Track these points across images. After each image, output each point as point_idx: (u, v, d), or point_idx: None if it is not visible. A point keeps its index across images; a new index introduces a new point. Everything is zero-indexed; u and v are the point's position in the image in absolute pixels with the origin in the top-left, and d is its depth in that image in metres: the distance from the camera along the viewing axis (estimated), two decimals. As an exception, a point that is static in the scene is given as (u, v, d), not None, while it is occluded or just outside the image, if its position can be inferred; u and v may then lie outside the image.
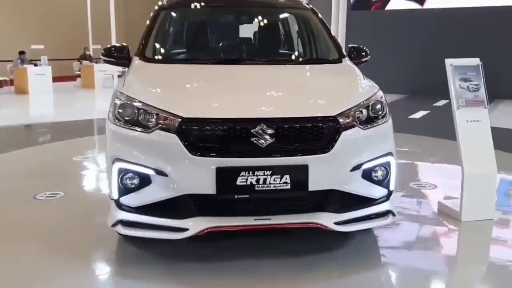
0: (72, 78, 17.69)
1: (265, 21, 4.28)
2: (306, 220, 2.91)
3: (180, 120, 2.80)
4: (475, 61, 3.92)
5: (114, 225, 2.98)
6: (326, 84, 3.33)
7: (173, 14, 4.27)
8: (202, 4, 4.21)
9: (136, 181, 2.91)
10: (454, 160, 5.87)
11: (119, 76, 16.62)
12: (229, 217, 2.88)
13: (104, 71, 16.57)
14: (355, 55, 3.92)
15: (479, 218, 3.82)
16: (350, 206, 3.00)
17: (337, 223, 2.93)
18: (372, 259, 3.21)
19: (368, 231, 3.47)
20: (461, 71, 3.86)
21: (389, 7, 14.84)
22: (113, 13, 12.05)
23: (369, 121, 3.04)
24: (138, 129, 2.90)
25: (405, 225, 3.77)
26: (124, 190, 2.94)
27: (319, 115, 2.89)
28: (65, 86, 16.92)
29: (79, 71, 17.14)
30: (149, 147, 2.86)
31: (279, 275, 2.95)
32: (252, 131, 2.77)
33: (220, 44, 4.29)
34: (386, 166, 3.07)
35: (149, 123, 2.88)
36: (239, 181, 2.78)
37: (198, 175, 2.80)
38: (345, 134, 2.89)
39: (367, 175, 3.03)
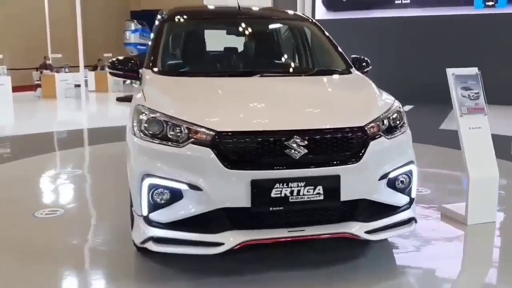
0: (32, 88, 17.11)
1: (273, 33, 4.32)
2: (338, 230, 2.95)
3: (214, 133, 2.79)
4: (474, 70, 4.10)
5: (144, 242, 2.93)
6: (348, 95, 3.40)
7: (179, 25, 4.24)
8: (208, 16, 4.21)
9: (167, 196, 2.87)
10: (440, 165, 6.15)
11: (77, 86, 16.26)
12: (264, 230, 2.89)
13: (66, 81, 16.14)
14: (359, 66, 4.03)
15: (483, 221, 3.97)
16: (377, 215, 3.07)
17: (367, 232, 2.99)
18: (392, 267, 3.29)
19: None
20: (462, 80, 4.02)
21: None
22: (79, 21, 11.75)
23: (391, 131, 3.12)
24: (169, 144, 2.87)
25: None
26: (154, 206, 2.89)
27: (349, 125, 2.95)
28: (25, 96, 16.34)
29: (39, 80, 16.61)
30: (181, 161, 2.83)
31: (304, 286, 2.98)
32: (286, 143, 2.80)
33: (232, 56, 4.29)
34: (409, 174, 3.16)
35: (180, 137, 2.86)
36: (274, 193, 2.80)
37: (233, 188, 2.79)
38: (373, 144, 2.96)
39: (392, 184, 3.10)
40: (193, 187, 2.80)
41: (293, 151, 2.80)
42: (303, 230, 2.91)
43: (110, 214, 4.31)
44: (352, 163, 2.90)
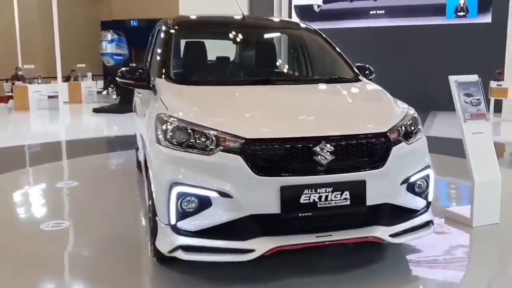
0: (3, 99, 16.69)
1: (281, 41, 4.38)
2: (364, 234, 3.01)
3: (243, 141, 2.81)
4: (475, 77, 4.25)
5: (172, 251, 2.91)
6: (366, 102, 3.48)
7: (187, 34, 4.25)
8: (215, 25, 4.24)
9: (196, 204, 2.87)
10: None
11: (50, 97, 15.94)
12: (292, 236, 2.91)
13: (39, 92, 15.81)
14: (363, 74, 4.13)
15: (488, 223, 4.10)
16: (398, 219, 3.14)
17: (391, 236, 3.06)
18: (408, 272, 3.34)
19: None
20: (464, 87, 4.16)
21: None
22: (57, 31, 11.55)
23: (409, 136, 3.21)
24: (197, 152, 2.87)
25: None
26: (183, 214, 2.88)
27: (373, 131, 3.02)
28: (-4, 108, 15.94)
29: (11, 92, 16.22)
30: (211, 169, 2.84)
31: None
32: (313, 149, 2.84)
33: (244, 65, 4.33)
34: (427, 178, 3.25)
35: (207, 145, 2.87)
36: (303, 199, 2.83)
37: (263, 195, 2.81)
38: (395, 149, 3.04)
39: (411, 188, 3.18)
40: (223, 194, 2.81)
41: (320, 157, 2.85)
42: (331, 235, 2.95)
43: (115, 225, 4.26)
44: (377, 168, 2.97)
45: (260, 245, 2.84)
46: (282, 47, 4.45)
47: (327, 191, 2.86)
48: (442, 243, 3.78)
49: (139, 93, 4.57)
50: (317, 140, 2.86)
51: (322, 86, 3.81)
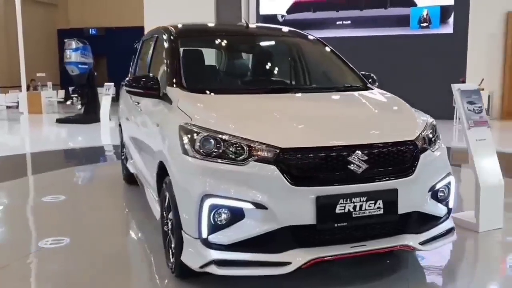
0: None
1: (289, 50, 4.35)
2: (396, 243, 2.99)
3: (278, 150, 2.74)
4: (475, 85, 4.35)
5: (204, 266, 2.80)
6: (389, 111, 3.48)
7: (194, 42, 4.16)
8: (221, 33, 4.17)
9: (228, 216, 2.77)
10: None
11: (8, 107, 15.32)
12: (328, 247, 2.86)
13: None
14: (368, 82, 4.15)
15: (492, 227, 4.19)
16: (425, 226, 3.14)
17: (421, 243, 3.05)
18: (427, 280, 3.35)
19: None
20: (467, 95, 4.25)
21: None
22: (21, 39, 11.11)
23: (431, 144, 3.23)
24: (229, 162, 2.78)
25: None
26: (215, 227, 2.78)
27: (402, 139, 3.02)
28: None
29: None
30: (244, 179, 2.75)
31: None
32: (348, 158, 2.81)
33: (255, 73, 4.26)
34: (448, 186, 3.27)
35: (239, 155, 2.78)
36: (338, 209, 2.79)
37: (298, 205, 2.75)
38: (422, 157, 3.05)
39: (435, 195, 3.20)
40: (258, 205, 2.73)
41: (355, 166, 2.82)
42: (365, 245, 2.92)
43: (118, 240, 4.09)
44: (407, 176, 2.97)
45: (296, 258, 2.77)
46: (289, 56, 4.40)
47: (362, 200, 2.83)
48: (455, 250, 3.81)
49: (138, 102, 4.40)
50: (351, 148, 2.84)
51: (341, 95, 3.80)
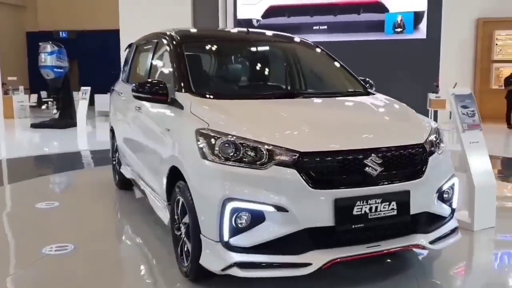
0: None
1: (290, 55, 4.44)
2: (408, 243, 3.10)
3: (298, 154, 2.82)
4: (468, 90, 4.53)
5: (226, 268, 2.84)
6: (397, 115, 3.59)
7: (199, 48, 4.20)
8: (224, 38, 4.22)
9: (249, 219, 2.83)
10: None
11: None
12: (344, 247, 2.94)
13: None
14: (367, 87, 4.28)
15: (486, 226, 4.36)
16: (432, 226, 3.27)
17: (430, 242, 3.17)
18: (430, 277, 3.49)
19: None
20: (461, 99, 4.42)
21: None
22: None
23: (436, 147, 3.36)
24: (250, 166, 2.84)
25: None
26: (236, 230, 2.83)
27: (413, 142, 3.14)
28: None
29: None
30: (265, 183, 2.81)
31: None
32: (364, 161, 2.91)
33: (261, 79, 4.33)
34: (453, 187, 3.41)
35: (259, 159, 2.84)
36: (355, 210, 2.89)
37: (317, 208, 2.83)
38: (431, 160, 3.18)
39: (441, 196, 3.33)
40: (280, 208, 2.79)
41: (370, 169, 2.92)
42: (379, 245, 3.01)
43: (123, 245, 4.09)
44: (418, 178, 3.09)
45: (316, 259, 2.84)
46: (295, 61, 4.49)
47: (377, 202, 2.93)
48: (453, 248, 3.93)
49: (139, 107, 4.41)
50: (367, 152, 2.93)
51: (350, 100, 3.90)
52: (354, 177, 2.91)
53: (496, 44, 14.25)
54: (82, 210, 5.20)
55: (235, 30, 4.49)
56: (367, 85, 4.37)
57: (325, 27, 14.82)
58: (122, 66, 6.14)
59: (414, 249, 3.22)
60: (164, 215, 3.78)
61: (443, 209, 3.35)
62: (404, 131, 3.29)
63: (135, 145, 4.68)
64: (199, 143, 3.01)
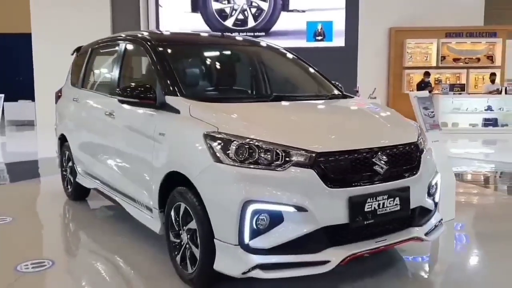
0: None
1: (270, 60, 4.49)
2: (409, 236, 3.28)
3: (314, 155, 2.88)
4: (427, 93, 4.87)
5: (248, 271, 2.82)
6: (387, 116, 3.76)
7: (179, 51, 4.11)
8: (203, 41, 4.19)
9: (269, 221, 2.84)
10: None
11: None
12: (357, 243, 3.04)
13: None
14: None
15: (447, 219, 4.69)
16: (424, 219, 3.48)
17: (425, 234, 3.38)
18: (399, 271, 3.70)
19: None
20: (422, 101, 4.74)
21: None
22: None
23: (424, 146, 3.58)
24: (268, 168, 2.85)
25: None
26: (256, 232, 2.83)
27: (410, 141, 3.33)
28: None
29: None
30: (284, 184, 2.84)
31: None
32: (373, 159, 3.04)
33: (248, 82, 4.33)
34: (437, 182, 3.66)
35: (275, 161, 2.87)
36: (366, 207, 3.01)
37: (334, 206, 2.92)
38: (423, 157, 3.40)
39: (428, 191, 3.56)
40: (300, 208, 2.84)
41: (378, 167, 3.06)
42: (386, 240, 3.16)
43: (103, 258, 3.90)
44: (415, 175, 3.28)
45: (334, 256, 2.91)
46: (281, 66, 4.56)
47: (384, 198, 3.07)
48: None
49: (111, 113, 4.23)
50: (375, 151, 3.07)
51: (343, 102, 4.04)
52: (364, 175, 3.03)
53: (407, 52, 15.30)
54: (42, 223, 4.89)
55: (213, 34, 4.48)
56: (340, 88, 4.54)
57: (245, 33, 15.06)
58: (69, 71, 5.82)
59: (412, 242, 3.37)
60: (154, 224, 3.65)
61: (430, 203, 3.58)
62: (400, 131, 3.48)
63: (105, 153, 4.46)
64: (210, 146, 2.97)
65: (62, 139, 5.64)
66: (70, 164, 5.45)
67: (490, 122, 13.30)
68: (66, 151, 5.53)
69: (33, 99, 15.01)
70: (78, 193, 5.49)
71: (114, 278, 3.55)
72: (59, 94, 5.89)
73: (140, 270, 3.64)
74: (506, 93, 13.23)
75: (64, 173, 5.72)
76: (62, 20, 14.46)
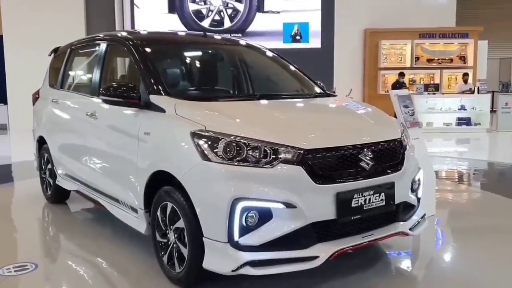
0: None
1: (254, 59, 4.50)
2: (394, 231, 3.32)
3: (303, 151, 2.90)
4: (407, 91, 4.95)
5: (238, 268, 2.82)
6: (371, 113, 3.80)
7: (163, 50, 4.09)
8: (185, 40, 4.18)
9: (258, 218, 2.85)
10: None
11: None
12: (344, 239, 3.07)
13: None
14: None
15: (428, 215, 4.75)
16: (408, 214, 3.53)
17: (410, 229, 3.43)
18: (392, 267, 3.78)
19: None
20: (402, 100, 4.82)
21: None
22: None
23: (406, 142, 3.65)
24: (256, 165, 2.86)
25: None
26: (246, 229, 2.84)
27: (393, 137, 3.38)
28: None
29: None
30: (273, 181, 2.86)
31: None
32: (359, 156, 3.08)
33: (231, 80, 4.32)
34: (420, 178, 3.72)
35: (263, 158, 2.88)
36: (353, 203, 3.04)
37: (322, 202, 2.94)
38: (406, 153, 3.46)
39: (411, 186, 3.61)
40: (289, 205, 2.85)
41: (364, 163, 3.10)
42: (372, 235, 3.20)
43: (88, 261, 3.86)
44: (399, 170, 3.33)
45: (322, 251, 2.94)
46: (263, 65, 4.58)
47: (370, 194, 3.12)
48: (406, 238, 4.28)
49: (95, 115, 4.18)
50: (361, 147, 3.11)
51: (327, 101, 4.08)
52: (351, 171, 3.06)
53: (382, 53, 15.52)
54: (23, 227, 4.77)
55: (197, 33, 4.48)
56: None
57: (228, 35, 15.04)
58: (47, 72, 5.72)
59: (398, 236, 3.42)
60: (139, 224, 3.63)
61: (413, 199, 3.64)
62: (384, 128, 3.53)
63: (87, 154, 4.40)
64: (198, 145, 2.96)
65: (41, 141, 5.54)
66: (49, 166, 5.36)
67: (464, 121, 13.58)
68: (45, 154, 5.44)
69: (5, 102, 14.71)
70: (58, 196, 5.40)
71: (98, 280, 3.50)
72: (37, 95, 5.79)
73: (124, 271, 3.61)
74: (478, 92, 13.54)
75: (43, 176, 5.62)
76: (35, 21, 14.21)
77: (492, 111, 14.00)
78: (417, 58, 15.67)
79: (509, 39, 21.05)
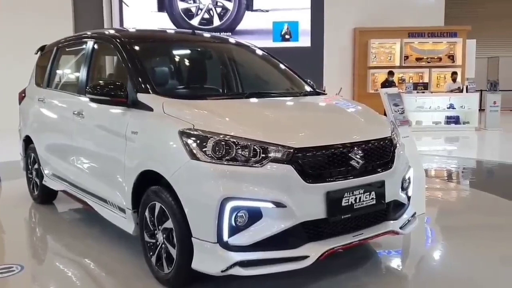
0: None
1: (243, 57, 4.46)
2: (385, 229, 3.31)
3: (292, 150, 2.87)
4: (396, 89, 4.94)
5: (227, 269, 2.78)
6: (360, 112, 3.77)
7: (149, 49, 4.04)
8: (174, 38, 4.14)
9: (247, 217, 2.82)
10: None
11: None
12: (335, 238, 3.05)
13: None
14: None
15: (418, 213, 4.75)
16: (398, 212, 3.52)
17: (401, 228, 3.42)
18: (384, 265, 3.76)
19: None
20: (392, 98, 4.81)
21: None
22: None
23: (396, 141, 3.63)
24: (246, 164, 2.83)
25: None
26: (235, 229, 2.80)
27: (383, 136, 3.36)
28: None
29: None
30: (263, 180, 2.83)
31: None
32: (349, 154, 3.06)
33: (223, 79, 4.28)
34: (410, 176, 3.71)
35: (253, 157, 2.85)
36: (343, 202, 3.02)
37: (312, 201, 2.92)
38: (396, 151, 3.44)
39: (402, 185, 3.60)
40: (278, 204, 2.82)
41: (354, 161, 3.07)
42: (362, 234, 3.18)
43: (76, 262, 3.80)
44: (390, 169, 3.32)
45: (313, 251, 2.91)
46: (252, 63, 4.54)
47: (360, 192, 3.09)
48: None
49: (81, 113, 4.12)
50: (351, 146, 3.09)
51: (317, 99, 4.05)
52: (341, 170, 3.04)
53: (372, 52, 15.55)
54: (9, 228, 4.70)
55: (184, 31, 4.43)
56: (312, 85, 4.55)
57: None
58: (34, 70, 5.64)
59: (388, 235, 3.41)
60: (127, 225, 3.58)
61: (403, 197, 3.63)
62: (375, 126, 3.51)
63: (74, 154, 4.34)
64: (186, 144, 2.92)
65: (27, 141, 5.46)
66: (36, 166, 5.29)
67: (453, 120, 13.65)
68: (32, 153, 5.36)
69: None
70: (45, 196, 5.33)
71: (86, 281, 3.45)
72: (23, 94, 5.70)
73: (112, 272, 3.56)
74: (467, 91, 13.61)
75: (30, 176, 5.54)
76: (22, 20, 14.04)
77: (481, 109, 14.07)
78: (406, 57, 15.73)
79: (496, 38, 21.21)
